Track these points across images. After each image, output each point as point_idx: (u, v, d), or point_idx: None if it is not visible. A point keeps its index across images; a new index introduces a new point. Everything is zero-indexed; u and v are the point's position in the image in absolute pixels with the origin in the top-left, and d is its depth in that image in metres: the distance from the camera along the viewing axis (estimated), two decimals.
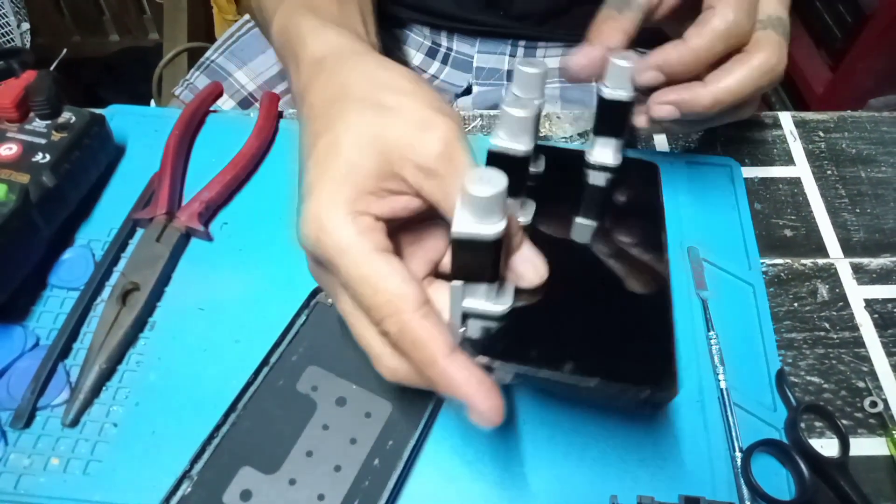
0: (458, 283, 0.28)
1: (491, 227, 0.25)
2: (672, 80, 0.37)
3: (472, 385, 0.26)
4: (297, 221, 0.29)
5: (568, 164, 0.40)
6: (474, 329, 0.30)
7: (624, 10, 0.38)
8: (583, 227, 0.36)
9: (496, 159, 0.30)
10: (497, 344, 0.29)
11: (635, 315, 0.32)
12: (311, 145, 0.30)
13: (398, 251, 0.30)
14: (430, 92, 0.30)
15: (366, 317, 0.28)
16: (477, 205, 0.25)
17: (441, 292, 0.30)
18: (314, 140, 0.30)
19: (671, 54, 0.36)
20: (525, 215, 0.34)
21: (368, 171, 0.28)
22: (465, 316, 0.30)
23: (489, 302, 0.29)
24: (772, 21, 0.37)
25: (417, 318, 0.27)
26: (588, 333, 0.31)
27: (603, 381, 0.28)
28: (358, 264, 0.27)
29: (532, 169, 0.37)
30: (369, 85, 0.30)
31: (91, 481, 0.35)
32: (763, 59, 0.36)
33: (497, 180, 0.25)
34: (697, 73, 0.37)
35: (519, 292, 0.30)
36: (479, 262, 0.27)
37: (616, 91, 0.37)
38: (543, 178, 0.38)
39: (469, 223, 0.26)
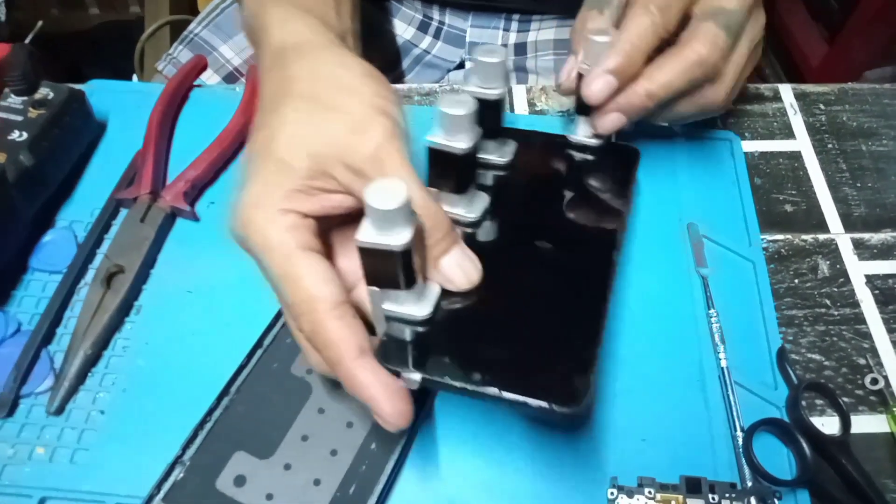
0: (374, 287, 0.28)
1: (393, 238, 0.25)
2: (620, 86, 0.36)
3: (376, 389, 0.27)
4: (230, 214, 0.29)
5: (540, 151, 0.39)
6: (398, 331, 0.29)
7: (603, 8, 0.38)
8: (534, 224, 0.35)
9: (436, 156, 0.30)
10: (408, 350, 0.29)
11: (563, 324, 0.30)
12: (253, 138, 0.31)
13: (336, 248, 0.31)
14: (378, 89, 0.30)
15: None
16: (378, 217, 0.25)
17: None
18: (255, 133, 0.30)
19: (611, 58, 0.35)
20: (472, 211, 0.33)
21: (299, 169, 0.28)
22: (389, 318, 0.30)
23: (409, 306, 0.29)
24: (713, 12, 0.36)
25: (329, 319, 0.27)
26: (505, 342, 0.30)
27: (502, 392, 0.27)
28: (278, 262, 0.28)
29: (498, 158, 0.37)
30: (314, 82, 0.30)
31: (78, 470, 0.34)
32: (695, 52, 0.36)
33: (398, 193, 0.24)
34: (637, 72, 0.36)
35: (448, 295, 0.30)
36: (386, 270, 0.27)
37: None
38: (509, 168, 0.37)
39: (372, 233, 0.25)
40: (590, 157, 0.39)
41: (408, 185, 0.25)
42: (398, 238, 0.25)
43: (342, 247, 0.31)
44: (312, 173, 0.28)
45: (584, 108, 0.38)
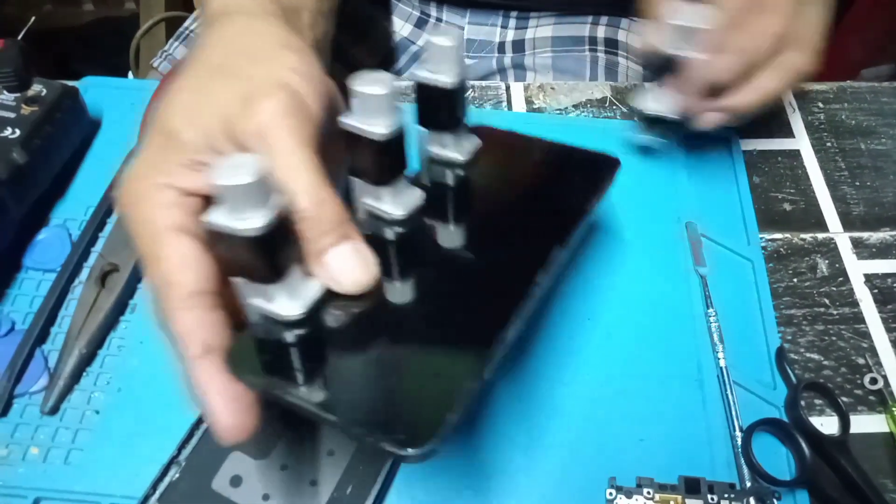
0: (239, 278, 0.25)
1: (245, 223, 0.22)
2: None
3: (211, 394, 0.24)
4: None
5: (508, 151, 0.36)
6: (259, 332, 0.26)
7: None
8: (468, 233, 0.32)
9: (352, 139, 0.27)
10: (256, 355, 0.26)
11: (447, 354, 0.27)
12: (163, 104, 0.28)
13: None
14: (292, 61, 0.28)
15: None
16: (226, 195, 0.22)
17: None
18: (166, 98, 0.28)
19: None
20: (398, 208, 0.30)
21: (186, 142, 0.26)
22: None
23: (278, 303, 0.25)
24: (808, 16, 0.39)
25: (178, 308, 0.25)
26: (373, 364, 0.26)
27: (343, 426, 0.23)
28: (145, 241, 0.26)
29: (455, 155, 0.34)
30: (224, 49, 0.29)
31: (73, 470, 0.34)
32: (797, 60, 0.38)
33: (250, 169, 0.22)
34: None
35: (334, 298, 0.26)
36: (241, 259, 0.24)
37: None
38: (467, 167, 0.34)
39: (221, 214, 0.22)
40: (564, 164, 0.37)
41: (296, 163, 0.23)
42: (251, 222, 0.22)
43: None
44: (199, 147, 0.26)
45: (658, 73, 0.39)
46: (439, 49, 0.29)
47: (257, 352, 0.26)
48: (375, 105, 0.26)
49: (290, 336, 0.26)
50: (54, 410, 0.35)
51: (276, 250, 0.24)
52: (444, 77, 0.30)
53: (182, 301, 0.25)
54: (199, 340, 0.25)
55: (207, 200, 0.26)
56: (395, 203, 0.30)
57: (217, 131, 0.26)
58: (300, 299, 0.26)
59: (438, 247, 0.31)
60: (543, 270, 0.29)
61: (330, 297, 0.26)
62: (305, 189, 0.25)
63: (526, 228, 0.33)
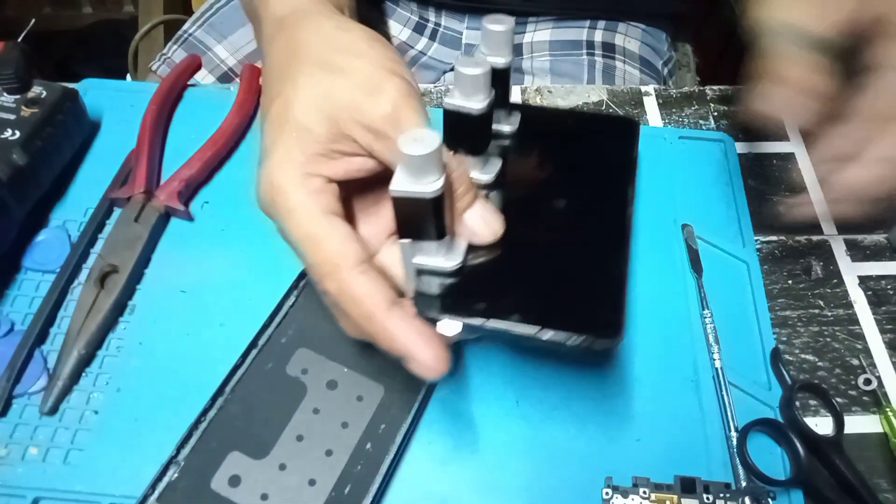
0: (405, 240, 0.29)
1: (427, 186, 0.26)
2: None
3: (411, 336, 0.27)
4: (257, 184, 0.30)
5: (543, 121, 0.40)
6: (428, 285, 0.30)
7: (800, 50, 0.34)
8: (548, 184, 0.36)
9: (453, 118, 0.30)
10: (442, 299, 0.29)
11: (589, 266, 0.31)
12: (267, 108, 0.31)
13: (358, 212, 0.32)
14: (386, 52, 0.30)
15: None
16: (412, 164, 0.25)
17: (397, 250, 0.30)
18: (269, 102, 0.31)
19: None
20: (487, 173, 0.34)
21: (319, 133, 0.29)
22: (420, 273, 0.30)
23: (439, 258, 0.29)
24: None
25: (354, 275, 0.27)
26: (538, 285, 0.31)
27: (544, 329, 0.28)
28: (302, 225, 0.28)
29: (505, 127, 0.37)
30: (323, 46, 0.30)
31: (72, 470, 0.34)
32: None
33: (430, 140, 0.25)
34: None
35: (474, 248, 0.31)
36: (420, 220, 0.28)
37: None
38: (516, 136, 0.37)
39: (406, 182, 0.26)
40: (592, 127, 0.40)
41: None
42: (432, 185, 0.26)
43: (363, 214, 0.32)
44: (332, 136, 0.29)
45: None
46: (494, 34, 0.32)
47: (436, 299, 0.29)
48: (474, 84, 0.29)
49: (459, 281, 0.30)
50: (53, 411, 0.36)
51: (444, 210, 0.28)
52: (499, 59, 0.32)
53: (356, 268, 0.27)
54: (383, 297, 0.27)
55: (340, 187, 0.29)
56: (484, 169, 0.34)
57: (347, 121, 0.28)
58: (455, 252, 0.30)
59: (530, 198, 0.35)
60: (628, 203, 0.34)
61: (471, 248, 0.31)
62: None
63: (589, 174, 0.36)
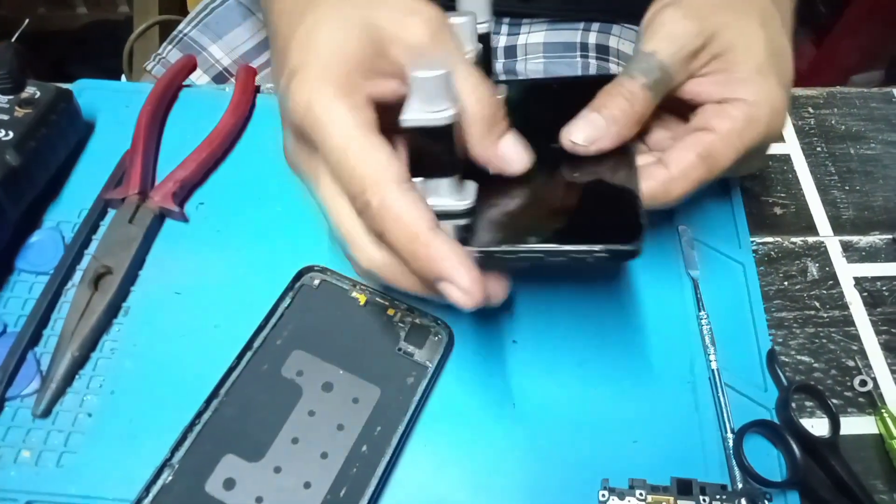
0: (418, 179, 0.29)
1: (438, 114, 0.26)
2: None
3: (454, 259, 0.26)
4: (284, 100, 0.29)
5: (529, 93, 0.40)
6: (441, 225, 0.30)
7: (639, 74, 0.34)
8: (551, 147, 0.35)
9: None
10: (462, 236, 0.29)
11: (600, 188, 0.32)
12: (290, 36, 0.30)
13: None
14: None
15: (346, 198, 0.28)
16: (423, 89, 0.26)
17: None
18: (292, 31, 0.30)
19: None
20: (464, 198, 0.31)
21: (355, 50, 0.28)
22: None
23: (452, 199, 0.30)
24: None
25: (400, 190, 0.26)
26: (553, 211, 0.31)
27: (564, 244, 0.29)
28: (345, 135, 0.27)
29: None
30: None
31: (65, 474, 0.34)
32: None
33: (440, 65, 0.26)
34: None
35: (483, 189, 0.31)
36: (433, 151, 0.28)
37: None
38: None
39: (417, 111, 0.26)
40: (578, 90, 0.38)
41: (461, 68, 0.26)
42: (443, 113, 0.26)
43: None
44: (370, 54, 0.28)
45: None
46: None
47: (457, 234, 0.30)
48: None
49: (474, 219, 0.31)
50: (46, 413, 0.35)
51: (455, 142, 0.28)
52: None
53: (401, 184, 0.27)
54: (427, 216, 0.27)
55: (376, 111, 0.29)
56: (459, 196, 0.33)
57: (388, 38, 0.28)
58: (467, 193, 0.31)
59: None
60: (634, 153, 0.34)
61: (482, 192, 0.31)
62: (473, 87, 0.28)
63: None
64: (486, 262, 0.28)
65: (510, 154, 0.30)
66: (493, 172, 0.31)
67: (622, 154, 0.33)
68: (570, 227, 0.30)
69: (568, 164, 0.33)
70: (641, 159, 0.34)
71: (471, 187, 0.31)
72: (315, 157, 0.29)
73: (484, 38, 0.33)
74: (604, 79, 0.37)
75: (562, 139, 0.34)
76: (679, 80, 0.35)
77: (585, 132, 0.33)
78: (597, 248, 0.28)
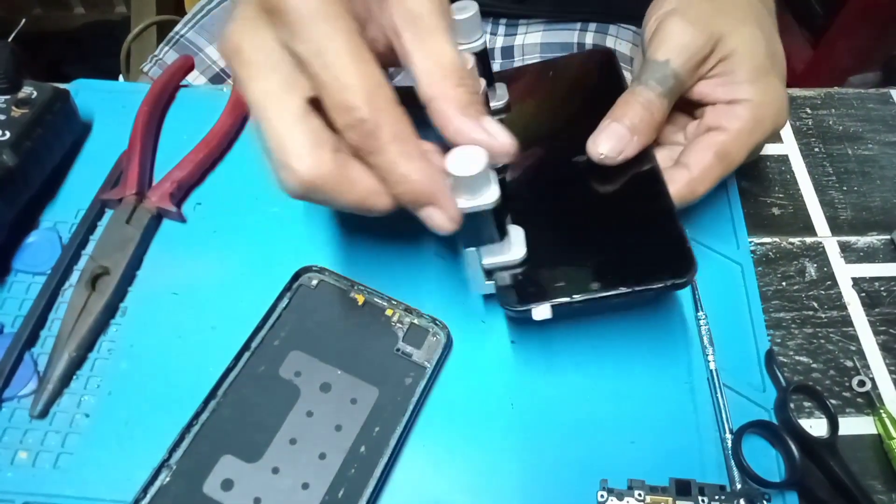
0: (471, 248, 0.31)
1: (484, 198, 0.28)
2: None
3: (445, 185, 0.27)
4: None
5: (526, 82, 0.41)
6: (503, 279, 0.33)
7: (653, 82, 0.36)
8: (563, 144, 0.38)
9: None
10: (524, 289, 0.32)
11: (636, 213, 0.34)
12: None
13: None
14: None
15: (293, 98, 0.27)
16: (466, 184, 0.27)
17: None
18: None
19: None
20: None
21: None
22: (489, 273, 0.33)
23: (506, 255, 0.32)
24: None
25: (400, 112, 0.27)
26: (603, 249, 0.34)
27: (629, 287, 0.31)
28: (340, 37, 0.25)
29: (497, 103, 0.38)
30: None
31: (62, 475, 0.34)
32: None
33: (478, 158, 0.27)
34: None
35: (531, 235, 0.33)
36: (483, 229, 0.30)
37: None
38: (509, 108, 0.39)
39: (464, 200, 0.28)
40: (572, 71, 0.41)
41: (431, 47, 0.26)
42: (489, 196, 0.28)
43: None
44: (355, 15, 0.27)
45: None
46: (463, 22, 0.33)
47: (515, 291, 0.32)
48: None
49: (529, 268, 0.33)
50: (43, 414, 0.35)
51: (503, 212, 0.30)
52: (474, 44, 0.34)
53: (399, 106, 0.26)
54: (424, 142, 0.27)
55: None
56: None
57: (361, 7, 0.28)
58: (517, 243, 0.33)
59: (551, 164, 0.38)
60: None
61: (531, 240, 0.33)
62: (448, 64, 0.27)
63: (596, 120, 0.37)
64: (553, 309, 0.31)
65: (497, 133, 0.28)
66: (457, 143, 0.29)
67: (645, 160, 0.35)
68: (625, 266, 0.32)
69: (595, 178, 0.35)
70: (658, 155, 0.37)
71: (519, 235, 0.32)
72: (268, 41, 0.27)
73: (482, 54, 0.34)
74: (593, 54, 0.39)
75: (589, 152, 0.36)
76: (689, 85, 0.37)
77: (611, 143, 0.35)
78: (658, 285, 0.31)
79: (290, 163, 0.27)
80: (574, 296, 0.31)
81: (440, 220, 0.28)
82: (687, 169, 0.36)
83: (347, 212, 0.29)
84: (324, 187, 0.27)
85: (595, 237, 0.34)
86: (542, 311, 0.31)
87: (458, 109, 0.27)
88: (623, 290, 0.31)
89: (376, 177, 0.28)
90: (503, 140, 0.28)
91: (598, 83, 0.38)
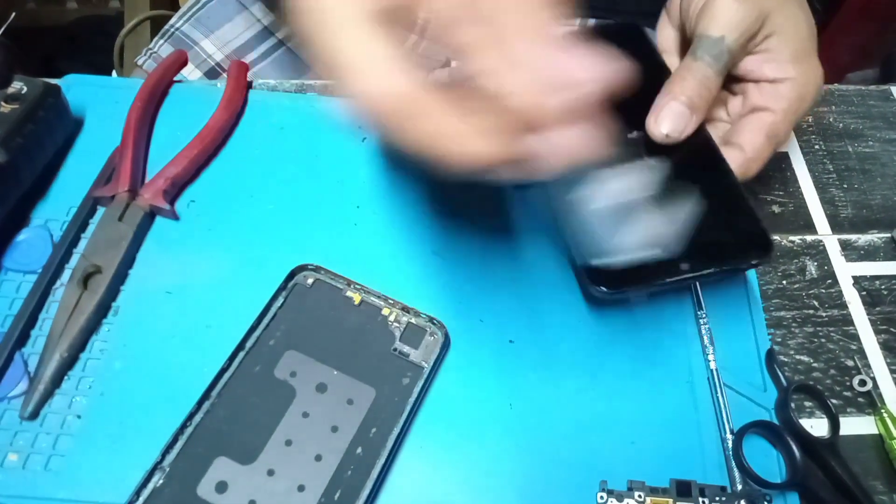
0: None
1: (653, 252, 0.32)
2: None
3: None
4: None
5: None
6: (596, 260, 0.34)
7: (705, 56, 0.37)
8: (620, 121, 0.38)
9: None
10: (624, 272, 0.33)
11: (706, 191, 0.35)
12: None
13: None
14: None
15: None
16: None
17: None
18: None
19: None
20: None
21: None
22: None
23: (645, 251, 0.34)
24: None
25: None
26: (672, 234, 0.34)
27: (718, 268, 0.34)
28: None
29: None
30: None
31: (53, 477, 0.33)
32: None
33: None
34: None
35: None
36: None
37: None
38: None
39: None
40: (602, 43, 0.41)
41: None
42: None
43: None
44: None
45: None
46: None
47: (619, 277, 0.33)
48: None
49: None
50: (34, 415, 0.35)
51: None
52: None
53: None
54: None
55: None
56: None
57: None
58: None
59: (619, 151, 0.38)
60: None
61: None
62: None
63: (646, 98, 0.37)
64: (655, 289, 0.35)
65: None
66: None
67: (701, 138, 0.37)
68: (709, 248, 0.34)
69: (657, 156, 0.36)
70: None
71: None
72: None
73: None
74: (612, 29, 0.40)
75: (651, 132, 0.37)
76: (739, 60, 0.39)
77: (673, 122, 0.36)
78: (743, 266, 0.34)
79: (357, 84, 0.23)
80: (667, 279, 0.33)
81: (560, 155, 0.23)
82: (741, 150, 0.37)
83: (420, 157, 0.24)
84: (398, 114, 0.23)
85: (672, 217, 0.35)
86: (639, 295, 0.34)
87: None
88: (712, 269, 0.34)
89: (464, 109, 0.23)
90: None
91: (632, 57, 0.38)
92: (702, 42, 0.37)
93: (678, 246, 0.33)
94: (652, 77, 0.38)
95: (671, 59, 0.43)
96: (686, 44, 0.40)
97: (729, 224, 0.35)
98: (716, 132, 0.40)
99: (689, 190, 0.35)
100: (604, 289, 0.34)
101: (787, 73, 0.38)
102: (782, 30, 0.38)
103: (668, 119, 0.36)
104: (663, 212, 0.33)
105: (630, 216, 0.33)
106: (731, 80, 0.40)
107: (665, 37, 0.43)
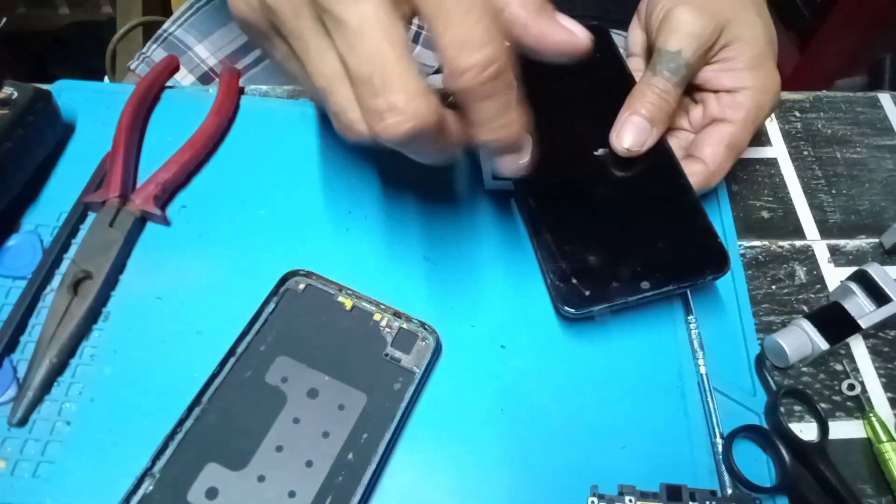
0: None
1: None
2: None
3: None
4: None
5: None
6: (557, 280, 0.35)
7: (666, 72, 0.38)
8: (576, 133, 0.39)
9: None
10: (585, 291, 0.35)
11: (665, 207, 0.36)
12: None
13: None
14: None
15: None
16: None
17: None
18: None
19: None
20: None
21: None
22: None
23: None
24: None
25: None
26: (643, 245, 0.36)
27: (677, 285, 0.35)
28: None
29: None
30: None
31: (42, 484, 0.33)
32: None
33: None
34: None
35: (566, 235, 0.36)
36: None
37: None
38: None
39: None
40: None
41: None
42: None
43: None
44: None
45: None
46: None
47: (573, 293, 0.35)
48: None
49: (580, 273, 0.36)
50: (23, 422, 0.34)
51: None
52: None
53: None
54: None
55: None
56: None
57: None
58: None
59: (574, 159, 0.39)
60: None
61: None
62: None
63: (603, 105, 0.39)
64: (610, 309, 0.35)
65: (570, 23, 0.26)
66: (553, 53, 0.27)
67: (662, 151, 0.38)
68: (665, 265, 0.35)
69: (616, 171, 0.38)
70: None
71: None
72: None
73: None
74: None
75: (613, 145, 0.38)
76: (698, 71, 0.40)
77: (634, 136, 0.37)
78: (700, 281, 0.35)
79: (397, 102, 0.23)
80: (629, 297, 0.34)
81: (520, 165, 0.28)
82: (703, 163, 0.38)
83: (418, 159, 0.27)
84: (426, 133, 0.24)
85: (631, 233, 0.36)
86: (601, 313, 0.34)
87: (533, 10, 0.25)
88: (671, 287, 0.35)
89: (464, 124, 0.26)
90: (582, 34, 0.26)
91: (597, 61, 0.38)
92: (661, 56, 0.38)
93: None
94: (614, 85, 0.39)
95: (640, 62, 0.44)
96: (652, 49, 0.41)
97: (688, 240, 0.36)
98: (678, 142, 0.41)
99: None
100: (570, 309, 0.35)
101: (743, 82, 0.38)
102: (739, 38, 0.38)
103: (629, 133, 0.37)
104: None
105: None
106: (692, 89, 0.41)
107: (634, 40, 0.44)
